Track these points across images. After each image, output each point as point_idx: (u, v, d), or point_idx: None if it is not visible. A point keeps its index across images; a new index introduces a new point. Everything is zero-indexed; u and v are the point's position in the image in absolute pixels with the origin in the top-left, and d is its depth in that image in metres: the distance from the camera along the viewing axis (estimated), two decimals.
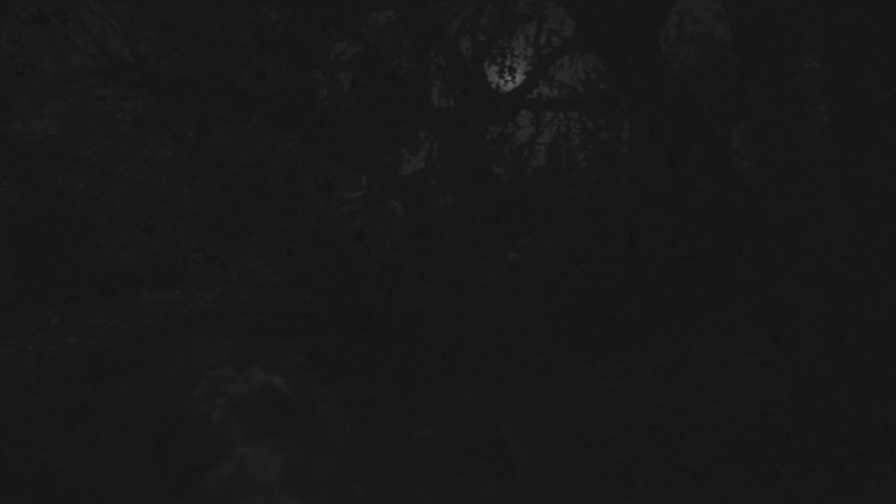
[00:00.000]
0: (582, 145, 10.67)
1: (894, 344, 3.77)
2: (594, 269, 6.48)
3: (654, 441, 4.57)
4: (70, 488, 4.62)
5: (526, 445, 4.66)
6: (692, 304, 6.11)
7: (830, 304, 3.89)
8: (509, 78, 10.63)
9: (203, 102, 8.36)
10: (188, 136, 8.32)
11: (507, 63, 10.58)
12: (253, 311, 8.02)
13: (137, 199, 8.39)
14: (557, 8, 9.28)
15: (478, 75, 10.36)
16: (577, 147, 10.73)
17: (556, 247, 7.80)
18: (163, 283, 9.97)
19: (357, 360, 6.65)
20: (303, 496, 0.81)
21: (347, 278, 7.06)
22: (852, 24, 3.60)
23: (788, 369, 4.21)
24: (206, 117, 8.42)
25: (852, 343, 3.85)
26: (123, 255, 9.30)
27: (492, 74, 10.60)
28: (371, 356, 6.71)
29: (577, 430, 4.83)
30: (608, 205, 7.29)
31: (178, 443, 0.96)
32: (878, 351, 3.81)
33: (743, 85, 4.11)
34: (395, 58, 9.39)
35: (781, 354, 4.20)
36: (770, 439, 4.18)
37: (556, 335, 6.44)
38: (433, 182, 10.71)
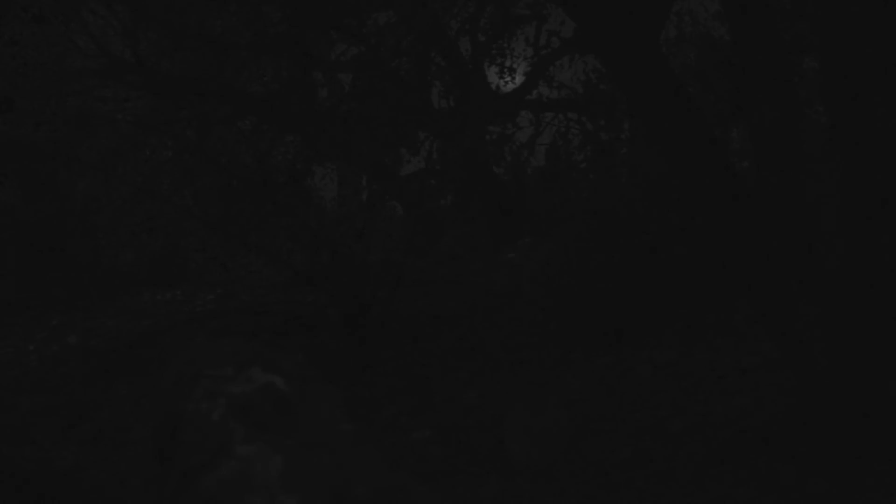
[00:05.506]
0: (581, 146, 10.67)
1: (894, 343, 3.77)
2: (594, 269, 6.48)
3: (654, 441, 4.58)
4: (70, 488, 4.62)
5: (526, 445, 4.66)
6: (692, 304, 6.11)
7: (830, 304, 3.90)
8: (509, 79, 10.63)
9: (203, 102, 8.37)
10: (188, 136, 8.32)
11: (507, 64, 10.58)
12: (253, 311, 8.03)
13: (138, 200, 8.40)
14: (557, 9, 9.28)
15: (478, 76, 10.36)
16: (577, 148, 10.74)
17: (555, 247, 7.80)
18: (163, 283, 9.98)
19: (357, 360, 6.66)
20: (303, 496, 0.82)
21: (347, 278, 7.06)
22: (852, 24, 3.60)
23: (788, 369, 4.21)
24: (206, 117, 8.43)
25: (851, 342, 3.86)
26: (124, 255, 9.30)
27: (492, 75, 10.61)
28: (371, 356, 6.71)
29: (577, 430, 4.83)
30: (608, 205, 7.29)
31: (178, 443, 0.96)
32: (877, 350, 3.81)
33: (743, 85, 4.11)
34: (395, 58, 9.39)
35: (781, 354, 4.21)
36: (770, 439, 4.18)
37: (555, 335, 6.44)
38: (433, 182, 10.71)
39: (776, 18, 4.18)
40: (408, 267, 7.93)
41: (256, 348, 1.10)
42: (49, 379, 7.12)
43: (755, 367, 5.12)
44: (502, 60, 10.54)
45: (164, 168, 8.33)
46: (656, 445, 4.52)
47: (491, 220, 10.20)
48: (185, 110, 8.34)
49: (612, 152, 10.17)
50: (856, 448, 3.80)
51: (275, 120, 8.70)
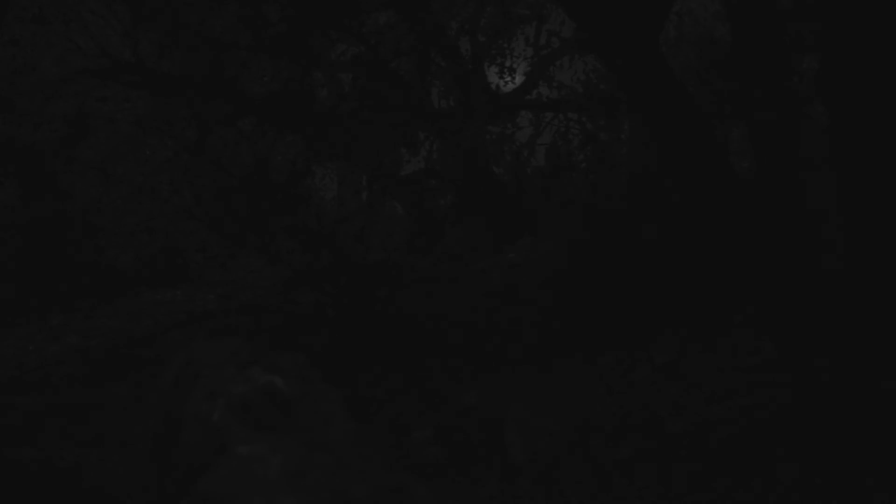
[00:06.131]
0: (581, 146, 10.67)
1: (893, 343, 3.77)
2: (594, 269, 6.48)
3: (654, 441, 4.58)
4: (70, 488, 4.62)
5: (526, 445, 4.66)
6: (692, 304, 6.11)
7: (830, 305, 3.90)
8: (509, 79, 10.64)
9: (203, 102, 8.36)
10: (188, 136, 8.32)
11: (507, 64, 10.58)
12: (253, 311, 8.02)
13: (138, 200, 8.40)
14: (557, 9, 9.28)
15: (478, 76, 10.36)
16: (577, 148, 10.74)
17: (555, 247, 7.80)
18: (163, 283, 9.98)
19: (357, 360, 6.65)
20: (303, 496, 0.81)
21: (347, 278, 7.06)
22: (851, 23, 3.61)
23: (788, 369, 4.21)
24: (206, 117, 8.43)
25: (852, 343, 3.86)
26: (124, 255, 9.30)
27: (492, 75, 10.60)
28: (371, 356, 6.71)
29: (577, 429, 4.83)
30: (608, 205, 7.29)
31: (178, 443, 0.96)
32: (877, 350, 3.81)
33: (743, 85, 4.12)
34: (395, 58, 9.39)
35: (781, 354, 4.21)
36: (770, 439, 4.18)
37: (555, 335, 6.44)
38: (433, 182, 10.72)
39: (776, 18, 4.18)
40: (408, 267, 7.93)
41: (256, 348, 1.09)
42: (49, 379, 7.12)
43: (755, 367, 5.12)
44: (502, 60, 10.54)
45: (164, 168, 8.33)
46: (656, 445, 4.52)
47: (491, 220, 10.20)
48: (185, 110, 8.34)
49: (612, 152, 10.17)
50: (856, 448, 3.80)
51: (275, 120, 8.69)
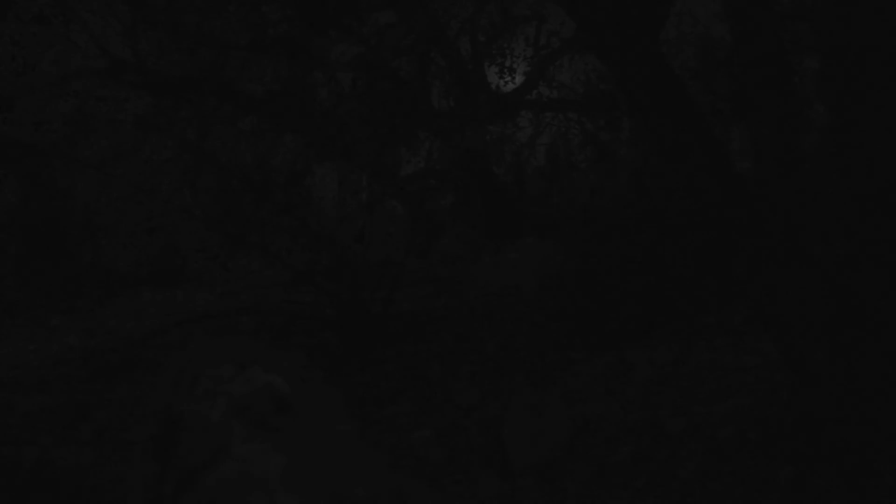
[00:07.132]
0: (581, 146, 10.69)
1: (894, 343, 3.77)
2: (594, 269, 6.49)
3: (654, 441, 4.58)
4: (70, 488, 4.62)
5: (526, 445, 4.67)
6: (692, 304, 6.12)
7: (830, 304, 3.90)
8: (509, 79, 10.65)
9: (203, 102, 8.37)
10: (188, 136, 8.32)
11: (507, 64, 10.60)
12: (253, 311, 8.03)
13: (138, 200, 8.40)
14: (557, 9, 9.28)
15: (478, 76, 10.37)
16: (577, 147, 10.75)
17: (555, 247, 7.80)
18: (163, 283, 9.99)
19: (357, 360, 6.66)
20: (303, 496, 0.82)
21: (347, 278, 7.06)
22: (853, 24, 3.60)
23: (788, 369, 4.21)
24: (206, 117, 8.43)
25: (852, 342, 3.86)
26: (124, 255, 9.31)
27: (492, 75, 10.61)
28: (371, 356, 6.71)
29: (577, 430, 4.83)
30: (608, 205, 7.30)
31: (178, 443, 0.96)
32: (878, 350, 3.81)
33: (743, 85, 4.11)
34: (395, 58, 9.40)
35: (781, 354, 4.21)
36: (770, 439, 4.19)
37: (556, 335, 6.44)
38: (433, 182, 10.72)
39: (776, 18, 4.18)
40: (408, 267, 7.93)
41: (256, 348, 1.10)
42: (49, 379, 7.12)
43: (755, 367, 5.12)
44: (502, 60, 10.55)
45: (164, 168, 8.33)
46: (656, 445, 4.52)
47: (491, 220, 10.21)
48: (185, 110, 8.34)
49: (612, 152, 10.18)
50: (855, 448, 3.80)
51: (275, 120, 8.69)
